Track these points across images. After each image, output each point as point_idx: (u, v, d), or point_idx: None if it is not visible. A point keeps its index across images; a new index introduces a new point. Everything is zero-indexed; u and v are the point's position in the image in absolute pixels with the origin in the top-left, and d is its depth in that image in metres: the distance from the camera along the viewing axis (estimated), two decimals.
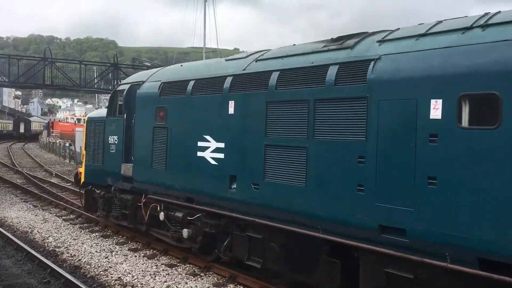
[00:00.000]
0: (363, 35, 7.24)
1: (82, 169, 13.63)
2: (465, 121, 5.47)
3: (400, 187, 5.94)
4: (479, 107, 5.42)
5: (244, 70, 8.51)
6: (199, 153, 9.11)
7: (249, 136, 8.09)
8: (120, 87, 12.10)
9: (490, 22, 5.64)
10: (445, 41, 5.82)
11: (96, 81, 37.80)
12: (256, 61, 8.50)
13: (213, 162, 8.78)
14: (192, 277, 9.24)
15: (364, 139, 6.36)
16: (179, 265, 9.99)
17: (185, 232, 9.49)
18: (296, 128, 7.29)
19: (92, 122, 13.11)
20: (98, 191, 12.84)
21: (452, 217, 5.45)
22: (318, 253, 7.23)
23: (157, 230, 10.82)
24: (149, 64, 44.68)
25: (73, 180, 14.53)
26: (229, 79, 8.64)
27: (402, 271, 6.06)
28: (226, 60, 9.47)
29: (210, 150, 8.86)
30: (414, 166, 5.80)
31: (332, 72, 6.87)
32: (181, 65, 10.88)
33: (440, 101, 5.62)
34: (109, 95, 14.40)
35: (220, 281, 9.02)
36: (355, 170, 6.45)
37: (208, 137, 8.94)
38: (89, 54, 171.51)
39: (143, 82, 11.10)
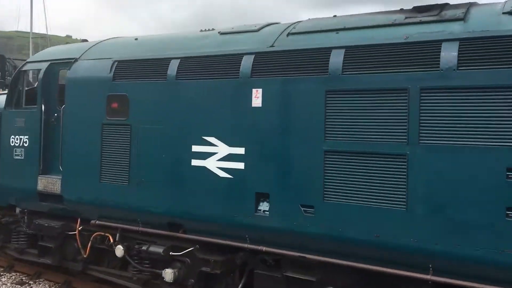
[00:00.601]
0: (457, 6, 5.48)
1: None
2: None
3: None
4: None
5: (272, 46, 6.12)
6: (196, 162, 6.44)
7: (292, 139, 5.76)
8: (29, 66, 8.57)
9: None
10: None
11: None
12: (288, 35, 6.17)
13: (223, 174, 6.22)
14: (20, 286, 8.48)
15: None
16: (3, 274, 9.01)
17: (168, 274, 6.70)
18: (384, 129, 5.22)
19: None
20: None
21: None
22: None
23: (105, 270, 7.73)
24: None
25: None
26: (248, 59, 6.16)
27: None
28: (221, 33, 6.91)
29: (218, 157, 6.28)
30: None
31: (449, 51, 4.95)
32: (136, 39, 7.89)
33: None
34: None
35: (53, 287, 8.38)
36: (502, 188, 4.64)
37: (212, 140, 6.33)
38: None
39: (76, 59, 7.84)
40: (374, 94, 5.29)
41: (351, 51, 5.51)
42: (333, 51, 5.60)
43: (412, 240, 5.03)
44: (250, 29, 6.70)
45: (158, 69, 6.86)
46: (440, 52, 5.00)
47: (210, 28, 7.46)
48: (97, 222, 7.43)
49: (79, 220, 7.73)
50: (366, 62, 5.39)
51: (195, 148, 6.46)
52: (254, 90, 6.05)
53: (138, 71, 7.06)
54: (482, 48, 4.83)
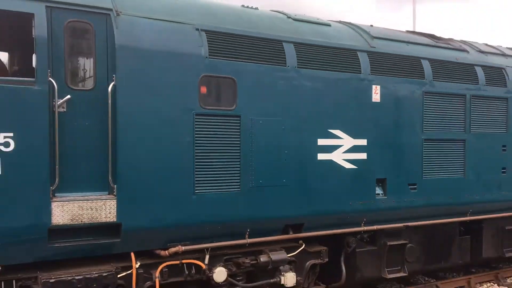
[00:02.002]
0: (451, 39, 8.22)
1: None
2: None
3: None
4: None
5: (373, 47, 6.79)
6: (322, 156, 6.26)
7: (402, 131, 6.91)
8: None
9: None
10: None
11: None
12: (373, 39, 6.96)
13: (348, 165, 6.46)
14: None
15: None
16: None
17: (290, 278, 6.07)
18: (450, 121, 7.43)
19: None
20: None
21: None
22: (452, 235, 7.82)
23: None
24: None
25: None
26: (363, 56, 6.60)
27: None
28: (295, 20, 6.55)
29: (343, 149, 6.42)
30: None
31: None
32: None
33: None
34: None
35: None
36: (499, 157, 7.96)
37: (337, 132, 6.37)
38: None
39: (118, 12, 5.05)
40: (451, 96, 7.36)
41: (435, 63, 7.24)
42: (423, 61, 7.15)
43: (466, 196, 7.56)
44: (321, 22, 6.84)
45: (273, 51, 5.89)
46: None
47: (249, 6, 6.65)
48: (182, 248, 5.42)
49: (133, 255, 5.25)
50: (446, 73, 7.32)
51: (321, 142, 6.26)
52: (374, 86, 6.64)
53: (248, 50, 5.71)
54: None
